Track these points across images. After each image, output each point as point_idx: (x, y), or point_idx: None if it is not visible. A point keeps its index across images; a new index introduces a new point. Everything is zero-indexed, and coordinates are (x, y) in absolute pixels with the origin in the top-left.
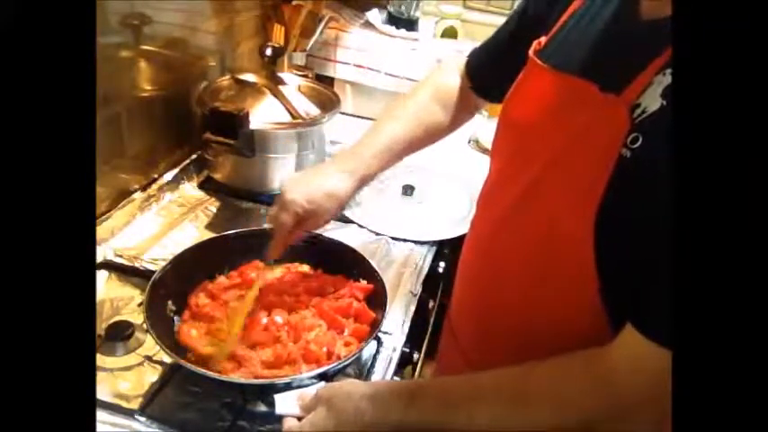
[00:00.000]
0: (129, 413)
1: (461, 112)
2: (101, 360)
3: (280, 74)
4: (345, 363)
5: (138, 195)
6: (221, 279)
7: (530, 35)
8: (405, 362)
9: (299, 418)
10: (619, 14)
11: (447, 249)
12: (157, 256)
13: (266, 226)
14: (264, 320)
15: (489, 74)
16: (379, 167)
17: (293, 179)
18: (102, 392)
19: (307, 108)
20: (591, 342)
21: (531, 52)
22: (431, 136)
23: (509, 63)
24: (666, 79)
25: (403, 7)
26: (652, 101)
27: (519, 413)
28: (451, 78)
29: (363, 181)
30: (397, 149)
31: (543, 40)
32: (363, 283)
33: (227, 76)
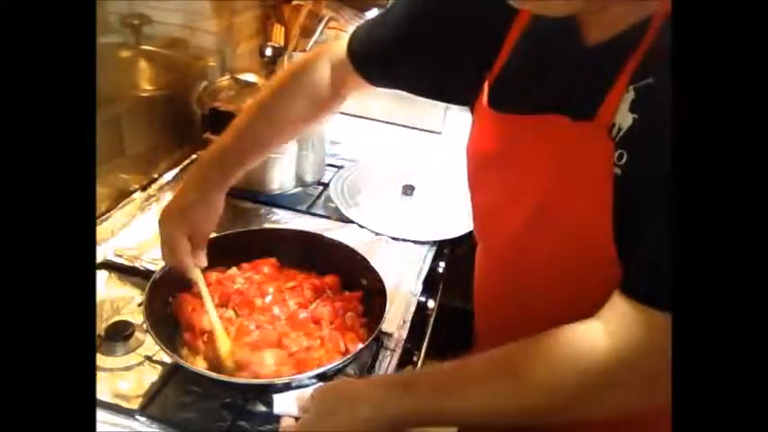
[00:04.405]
0: (129, 413)
1: (331, 104)
2: (101, 360)
3: None
4: (345, 363)
5: (138, 195)
6: (233, 270)
7: (450, 35)
8: (405, 362)
9: (298, 419)
10: (562, 47)
11: (447, 249)
12: (157, 256)
13: (266, 226)
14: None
15: (380, 65)
16: (242, 171)
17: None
18: (102, 392)
19: None
20: None
21: (484, 102)
22: (295, 132)
23: (404, 58)
24: (630, 95)
25: None
26: (624, 118)
27: (511, 387)
28: (321, 72)
29: (228, 186)
30: (260, 150)
31: (486, 85)
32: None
33: (227, 76)
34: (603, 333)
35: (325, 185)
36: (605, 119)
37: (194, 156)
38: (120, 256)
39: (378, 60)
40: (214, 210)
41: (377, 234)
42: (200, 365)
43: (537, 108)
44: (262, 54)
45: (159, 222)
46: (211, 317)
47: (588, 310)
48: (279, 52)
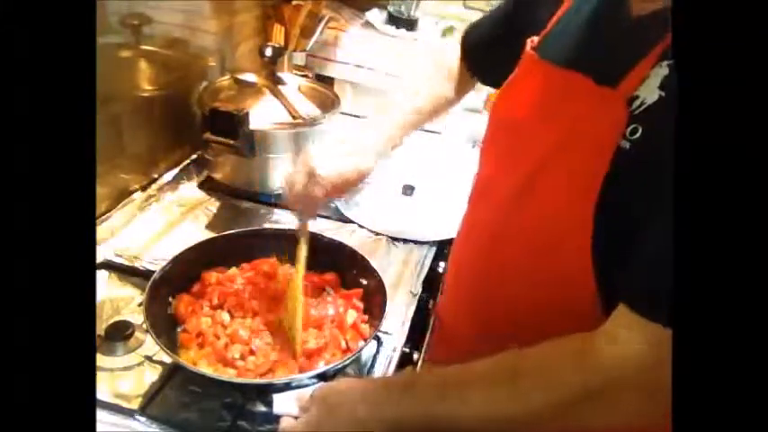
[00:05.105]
0: (129, 413)
1: (464, 85)
2: (101, 360)
3: (280, 74)
4: (345, 363)
5: (138, 195)
6: (233, 270)
7: (525, 25)
8: (405, 362)
9: (298, 419)
10: (608, 11)
11: (447, 249)
12: (157, 256)
13: (266, 226)
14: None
15: (482, 57)
16: (397, 143)
17: (320, 153)
18: (102, 392)
19: (307, 108)
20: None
21: (528, 48)
22: (441, 109)
23: (502, 50)
24: (663, 71)
25: (403, 7)
26: (650, 93)
27: (511, 393)
28: (454, 53)
29: (383, 157)
30: (412, 124)
31: (536, 38)
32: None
33: (227, 76)
34: (606, 344)
35: None
36: (627, 89)
37: (194, 156)
38: (120, 256)
39: (476, 46)
40: (363, 179)
41: (377, 234)
42: (202, 365)
43: (567, 63)
44: (262, 54)
45: (314, 171)
46: (298, 287)
47: (555, 297)
48: (279, 52)
